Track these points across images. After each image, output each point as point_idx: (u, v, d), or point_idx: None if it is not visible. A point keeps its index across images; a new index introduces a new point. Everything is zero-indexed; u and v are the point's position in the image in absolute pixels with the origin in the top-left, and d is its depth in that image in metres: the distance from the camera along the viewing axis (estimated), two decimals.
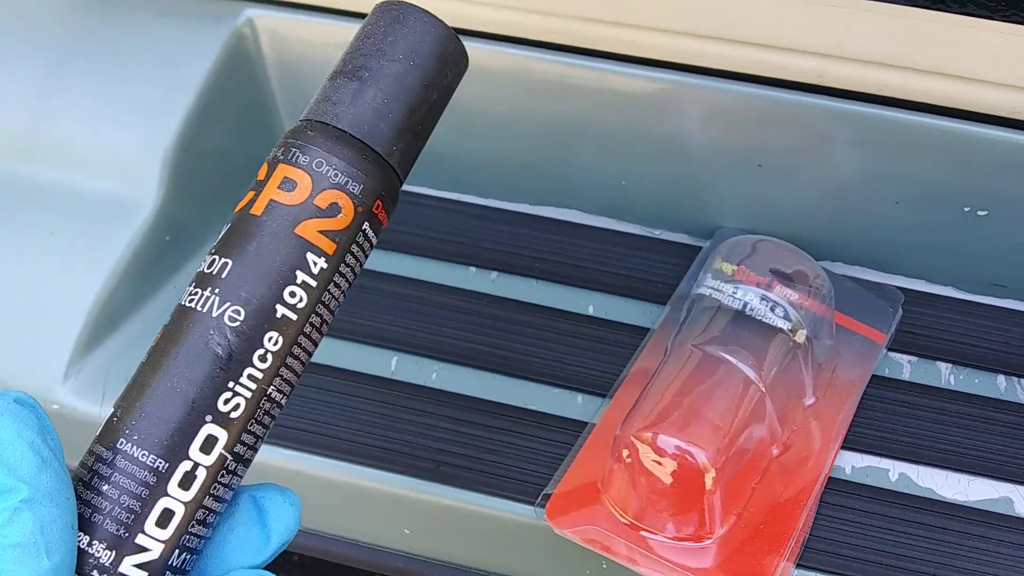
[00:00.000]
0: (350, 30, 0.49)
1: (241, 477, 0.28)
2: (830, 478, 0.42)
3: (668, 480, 0.38)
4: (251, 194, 0.29)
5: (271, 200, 0.28)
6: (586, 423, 0.44)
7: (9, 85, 0.51)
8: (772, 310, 0.43)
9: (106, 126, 0.50)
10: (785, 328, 0.42)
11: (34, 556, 0.25)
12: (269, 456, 0.43)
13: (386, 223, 0.31)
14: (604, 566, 0.42)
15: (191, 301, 0.28)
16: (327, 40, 0.51)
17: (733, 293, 0.43)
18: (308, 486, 0.44)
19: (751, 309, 0.43)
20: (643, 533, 0.39)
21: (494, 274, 0.50)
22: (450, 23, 0.31)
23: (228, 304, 0.27)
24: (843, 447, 0.43)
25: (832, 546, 0.40)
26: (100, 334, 0.47)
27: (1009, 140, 0.44)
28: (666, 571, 0.38)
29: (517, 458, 0.43)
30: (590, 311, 0.49)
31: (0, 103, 0.51)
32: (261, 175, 0.29)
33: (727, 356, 0.40)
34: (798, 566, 0.39)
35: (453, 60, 0.31)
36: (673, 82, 0.47)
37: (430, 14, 0.30)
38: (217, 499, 0.28)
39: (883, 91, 0.45)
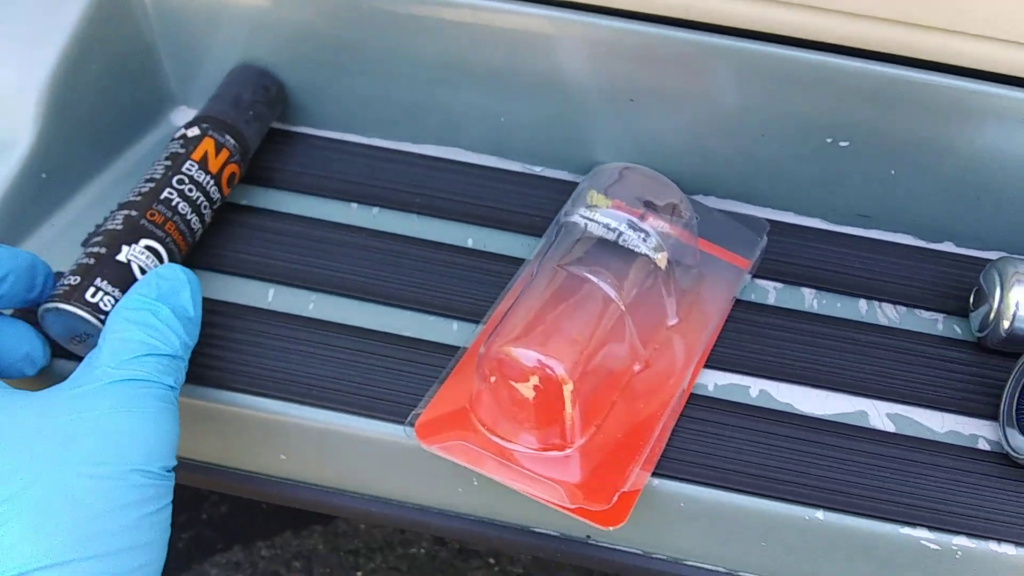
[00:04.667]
0: None
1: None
2: (693, 394, 0.44)
3: (530, 394, 0.39)
4: None
5: None
6: (459, 347, 0.45)
7: None
8: (636, 235, 0.44)
9: None
10: (647, 252, 0.44)
11: (155, 382, 0.38)
12: None
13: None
14: (475, 483, 0.43)
15: None
16: None
17: (599, 220, 0.44)
18: (183, 415, 0.44)
19: (616, 234, 0.44)
20: (508, 446, 0.40)
21: (375, 210, 0.51)
22: None
23: None
24: (707, 366, 0.45)
25: (692, 456, 0.42)
26: None
27: (867, 70, 0.46)
28: (530, 482, 0.39)
29: (390, 381, 0.43)
30: (469, 243, 0.49)
31: None
32: None
33: (589, 275, 0.42)
34: (654, 475, 0.41)
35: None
36: (548, 18, 0.48)
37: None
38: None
39: (747, 24, 0.47)
